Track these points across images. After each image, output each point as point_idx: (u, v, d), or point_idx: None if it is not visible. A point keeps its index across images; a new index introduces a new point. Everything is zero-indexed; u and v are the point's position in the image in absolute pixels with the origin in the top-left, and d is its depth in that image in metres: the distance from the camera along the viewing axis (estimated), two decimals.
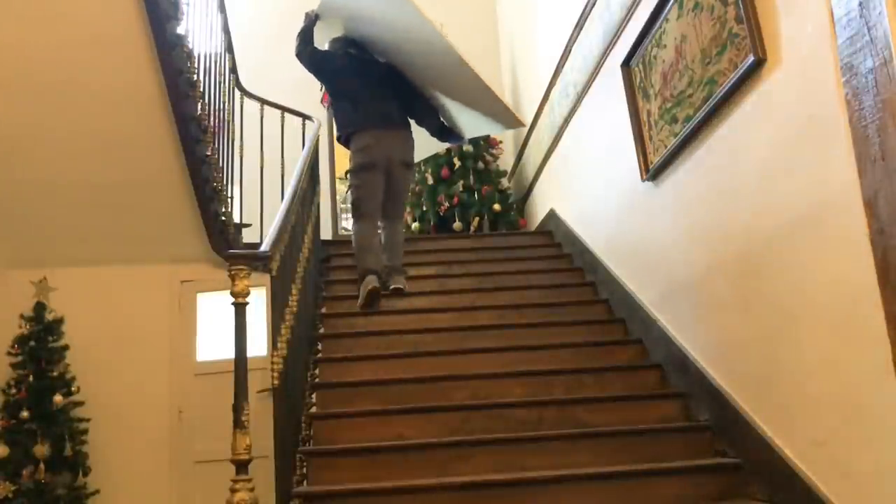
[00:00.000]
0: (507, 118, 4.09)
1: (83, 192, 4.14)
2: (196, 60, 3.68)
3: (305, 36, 4.05)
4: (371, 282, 3.66)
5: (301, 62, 4.06)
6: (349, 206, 3.90)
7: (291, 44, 4.11)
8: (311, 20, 4.07)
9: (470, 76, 3.70)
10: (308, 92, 5.63)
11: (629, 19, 3.27)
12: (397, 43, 4.00)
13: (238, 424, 2.11)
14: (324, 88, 4.06)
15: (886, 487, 1.79)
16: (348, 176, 3.98)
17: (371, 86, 3.96)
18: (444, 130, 4.16)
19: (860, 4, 1.68)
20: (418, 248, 4.84)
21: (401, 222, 4.05)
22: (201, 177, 3.98)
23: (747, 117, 2.35)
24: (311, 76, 4.21)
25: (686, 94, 2.72)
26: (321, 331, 3.75)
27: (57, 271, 4.81)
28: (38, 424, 4.32)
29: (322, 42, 4.16)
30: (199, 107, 3.80)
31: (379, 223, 3.92)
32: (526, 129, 5.52)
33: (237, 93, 4.85)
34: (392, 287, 3.79)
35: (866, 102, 1.70)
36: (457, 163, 5.74)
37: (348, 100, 3.95)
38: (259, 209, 4.61)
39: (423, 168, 5.83)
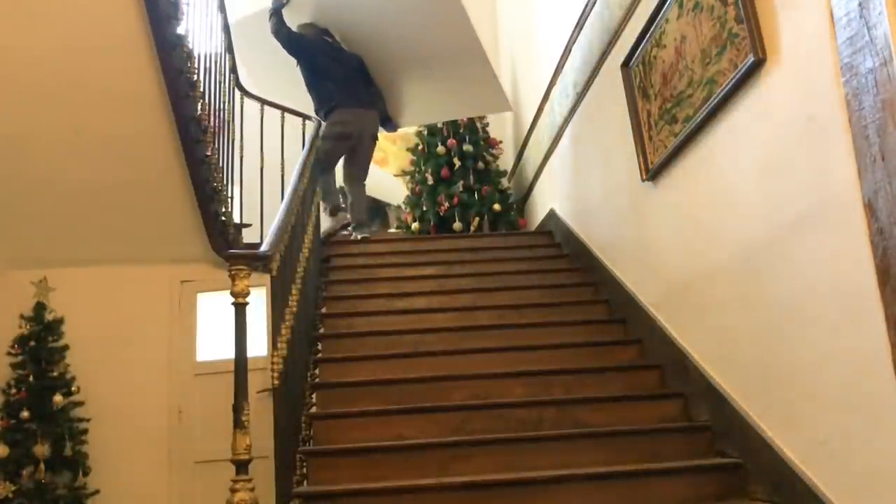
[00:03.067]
0: (495, 91, 4.68)
1: (83, 192, 4.14)
2: (196, 60, 3.68)
3: (280, 16, 4.53)
4: (343, 218, 4.75)
5: (278, 39, 4.53)
6: (317, 158, 4.50)
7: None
8: (281, 3, 4.55)
9: (467, 29, 4.31)
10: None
11: (629, 19, 3.27)
12: (376, 24, 4.48)
13: (238, 424, 2.11)
14: (299, 66, 4.64)
15: (886, 487, 1.79)
16: (322, 139, 4.57)
17: (346, 70, 4.62)
18: (385, 118, 5.05)
19: (860, 4, 1.68)
20: (418, 248, 4.83)
21: (363, 184, 4.93)
22: (201, 177, 3.98)
23: (747, 117, 2.35)
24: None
25: (686, 95, 2.72)
26: (321, 331, 3.75)
27: (57, 271, 4.81)
28: (38, 424, 4.33)
29: (290, 24, 4.58)
30: (199, 107, 3.80)
31: (342, 184, 4.94)
32: (525, 129, 5.52)
33: (237, 93, 4.85)
34: (360, 237, 4.70)
35: (866, 102, 1.70)
36: (457, 163, 5.73)
37: (330, 80, 4.57)
38: (259, 209, 4.61)
39: (423, 168, 5.83)
